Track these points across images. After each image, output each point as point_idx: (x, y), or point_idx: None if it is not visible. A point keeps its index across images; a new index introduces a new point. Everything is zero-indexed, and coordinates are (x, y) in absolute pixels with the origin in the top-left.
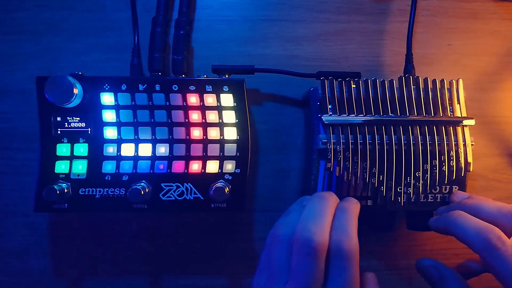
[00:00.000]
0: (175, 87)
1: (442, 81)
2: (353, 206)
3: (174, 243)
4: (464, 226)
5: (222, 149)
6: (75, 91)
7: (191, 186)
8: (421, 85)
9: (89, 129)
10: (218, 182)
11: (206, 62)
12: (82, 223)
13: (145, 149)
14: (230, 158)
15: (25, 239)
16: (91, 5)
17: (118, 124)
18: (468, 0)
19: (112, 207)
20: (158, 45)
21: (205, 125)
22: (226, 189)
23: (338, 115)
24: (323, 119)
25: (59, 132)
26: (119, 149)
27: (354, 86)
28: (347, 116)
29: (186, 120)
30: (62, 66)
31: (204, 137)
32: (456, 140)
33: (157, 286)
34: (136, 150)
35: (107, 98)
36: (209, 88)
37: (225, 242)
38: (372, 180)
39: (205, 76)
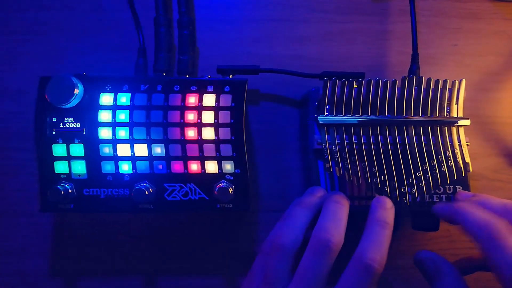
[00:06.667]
0: (177, 88)
1: (445, 82)
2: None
3: (174, 243)
4: (471, 215)
5: (218, 149)
6: (76, 91)
7: (194, 186)
8: (423, 85)
9: (84, 130)
10: (220, 183)
11: (212, 62)
12: (82, 223)
13: (141, 150)
14: (227, 158)
15: (24, 239)
16: (93, 5)
17: (113, 125)
18: (466, 0)
19: (118, 207)
20: (163, 45)
21: (200, 125)
22: (230, 189)
23: (334, 116)
24: (319, 119)
25: (53, 132)
26: (115, 149)
27: (356, 86)
28: (342, 116)
29: (182, 120)
30: (64, 67)
31: (199, 137)
32: (452, 141)
33: (155, 286)
34: (132, 150)
35: (106, 99)
36: (210, 88)
37: (226, 242)
38: (374, 180)
39: (209, 76)
